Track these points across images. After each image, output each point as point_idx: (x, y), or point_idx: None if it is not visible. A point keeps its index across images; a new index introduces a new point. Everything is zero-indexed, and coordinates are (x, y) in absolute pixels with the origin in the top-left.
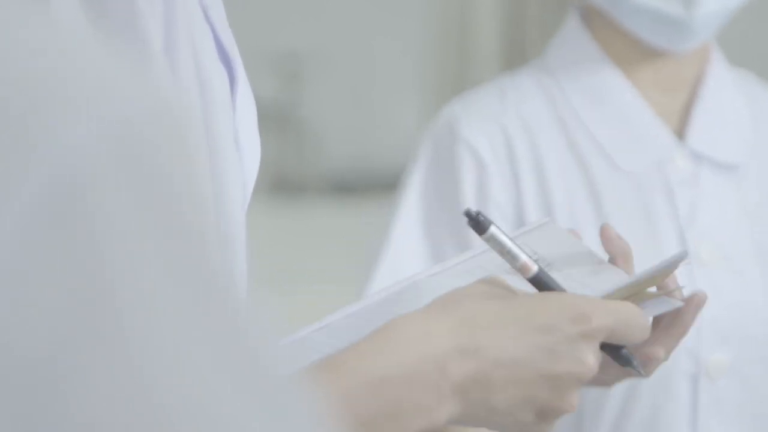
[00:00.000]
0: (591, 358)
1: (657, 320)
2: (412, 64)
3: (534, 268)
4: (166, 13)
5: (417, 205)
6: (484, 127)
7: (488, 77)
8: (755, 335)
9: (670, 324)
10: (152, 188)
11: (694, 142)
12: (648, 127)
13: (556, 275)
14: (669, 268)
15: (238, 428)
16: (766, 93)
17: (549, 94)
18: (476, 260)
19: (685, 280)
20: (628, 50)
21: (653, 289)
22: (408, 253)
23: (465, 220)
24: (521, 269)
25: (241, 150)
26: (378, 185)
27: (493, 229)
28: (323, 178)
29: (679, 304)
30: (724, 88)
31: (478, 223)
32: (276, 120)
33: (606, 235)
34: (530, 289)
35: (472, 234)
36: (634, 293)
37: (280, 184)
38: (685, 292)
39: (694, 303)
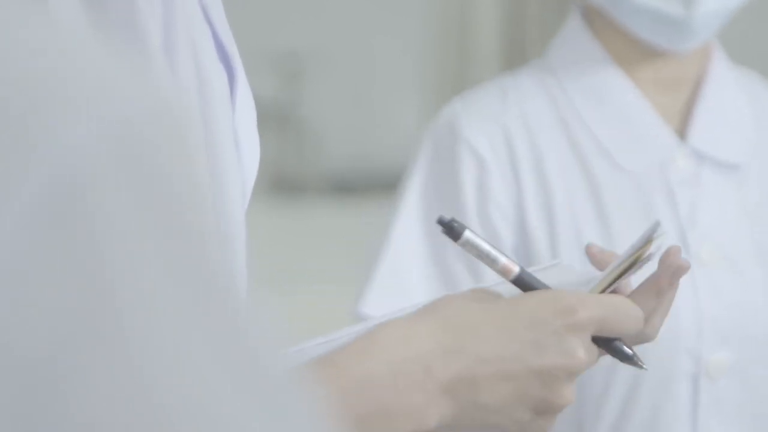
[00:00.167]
0: (580, 350)
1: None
2: (412, 64)
3: (515, 269)
4: (165, 13)
5: (417, 205)
6: (485, 127)
7: (488, 77)
8: (755, 335)
9: (649, 292)
10: (152, 188)
11: (696, 141)
12: (649, 127)
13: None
14: (644, 242)
15: (238, 428)
16: None
17: (550, 93)
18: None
19: (685, 279)
20: (629, 50)
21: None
22: (408, 253)
23: (440, 228)
24: (502, 271)
25: (241, 150)
26: (378, 185)
27: (467, 233)
28: (323, 177)
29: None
30: (725, 87)
31: (452, 229)
32: (276, 119)
33: (591, 254)
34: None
35: None
36: (621, 277)
37: (280, 183)
38: (684, 288)
39: (667, 262)
